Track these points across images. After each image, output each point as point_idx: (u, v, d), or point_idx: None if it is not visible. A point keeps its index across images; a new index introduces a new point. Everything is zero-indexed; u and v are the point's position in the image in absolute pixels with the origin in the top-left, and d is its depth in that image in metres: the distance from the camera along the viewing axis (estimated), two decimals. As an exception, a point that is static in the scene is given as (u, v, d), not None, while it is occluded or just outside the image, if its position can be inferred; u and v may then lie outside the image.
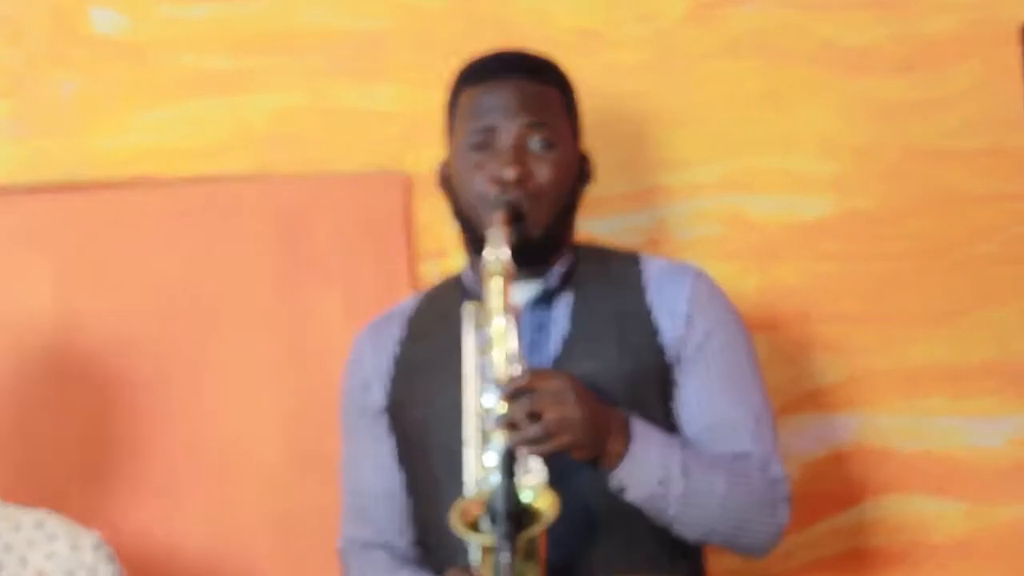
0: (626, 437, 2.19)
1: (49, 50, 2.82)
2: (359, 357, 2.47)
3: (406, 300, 2.52)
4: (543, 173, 2.33)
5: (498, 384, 2.16)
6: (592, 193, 2.53)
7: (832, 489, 2.84)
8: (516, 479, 2.06)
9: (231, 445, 2.75)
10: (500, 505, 1.99)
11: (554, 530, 2.11)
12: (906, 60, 2.92)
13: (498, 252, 2.23)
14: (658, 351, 2.32)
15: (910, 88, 2.92)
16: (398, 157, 2.83)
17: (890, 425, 2.85)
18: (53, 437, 2.72)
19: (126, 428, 2.74)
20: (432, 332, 2.41)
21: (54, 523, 2.28)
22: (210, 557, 2.74)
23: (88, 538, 2.28)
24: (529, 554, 2.08)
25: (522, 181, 2.31)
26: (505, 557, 2.00)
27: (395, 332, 2.45)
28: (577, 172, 2.41)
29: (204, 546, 2.74)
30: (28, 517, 2.28)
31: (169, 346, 2.76)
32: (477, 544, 2.13)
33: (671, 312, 2.34)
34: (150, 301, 2.77)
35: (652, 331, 2.33)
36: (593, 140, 2.66)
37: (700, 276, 2.39)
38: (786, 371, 2.85)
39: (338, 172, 2.84)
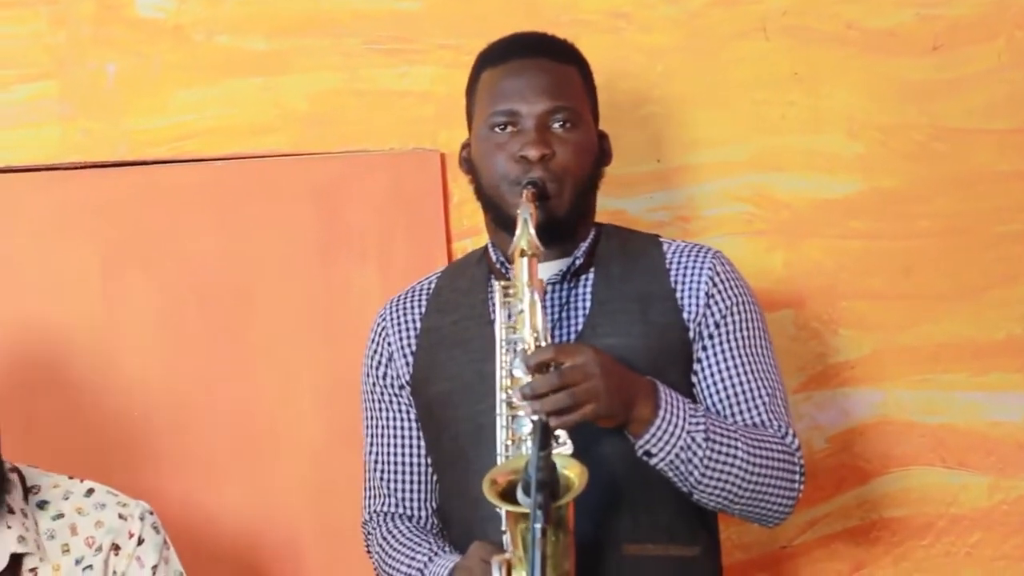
0: (654, 403, 2.20)
1: (93, 32, 2.84)
2: (381, 332, 2.48)
3: (427, 276, 2.52)
4: (565, 153, 2.33)
5: (526, 358, 2.17)
6: (622, 172, 2.52)
7: (857, 462, 2.86)
8: (550, 450, 2.04)
9: (269, 418, 2.79)
10: (535, 475, 1.96)
11: (578, 500, 2.10)
12: (932, 40, 2.93)
13: (527, 230, 2.22)
14: (681, 329, 2.34)
15: (936, 68, 2.93)
16: (432, 136, 2.85)
17: (914, 399, 2.87)
18: (98, 410, 2.76)
19: (168, 401, 2.78)
20: (454, 307, 2.42)
21: (103, 492, 2.33)
22: (249, 527, 2.78)
23: (136, 508, 2.32)
24: (558, 524, 2.08)
25: (545, 160, 2.31)
26: (539, 526, 1.95)
27: (417, 308, 2.46)
28: (597, 152, 2.40)
29: (244, 516, 2.78)
30: (78, 487, 2.33)
31: (209, 320, 2.80)
32: (507, 513, 2.12)
33: (693, 292, 2.35)
34: (191, 276, 2.80)
35: (676, 310, 2.34)
36: (623, 120, 2.67)
37: (719, 257, 2.40)
38: (812, 346, 2.88)
39: (374, 150, 2.86)
